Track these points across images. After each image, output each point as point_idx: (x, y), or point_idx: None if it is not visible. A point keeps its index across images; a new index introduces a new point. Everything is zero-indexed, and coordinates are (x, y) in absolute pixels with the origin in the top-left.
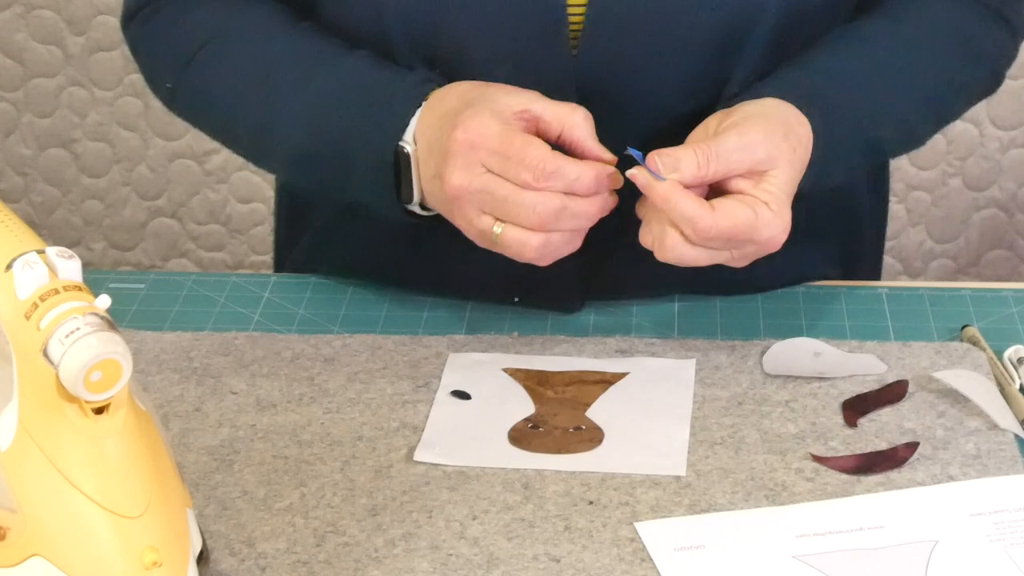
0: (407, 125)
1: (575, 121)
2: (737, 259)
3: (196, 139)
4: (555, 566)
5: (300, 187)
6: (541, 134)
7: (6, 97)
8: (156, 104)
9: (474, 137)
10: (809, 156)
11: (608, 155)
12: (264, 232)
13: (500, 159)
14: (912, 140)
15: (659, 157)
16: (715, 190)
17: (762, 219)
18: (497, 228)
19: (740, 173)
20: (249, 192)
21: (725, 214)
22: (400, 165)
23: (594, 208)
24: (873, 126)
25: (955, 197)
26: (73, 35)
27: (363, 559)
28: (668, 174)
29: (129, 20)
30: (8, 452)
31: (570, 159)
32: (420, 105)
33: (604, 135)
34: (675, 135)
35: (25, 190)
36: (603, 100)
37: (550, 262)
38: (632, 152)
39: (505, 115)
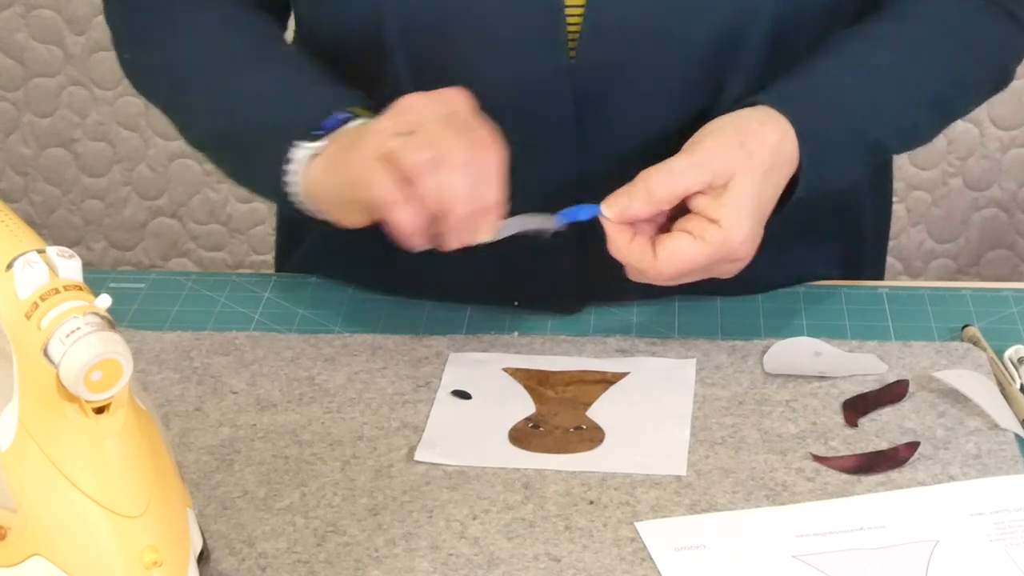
0: (305, 135)
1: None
2: (719, 275)
3: None
4: (555, 566)
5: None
6: None
7: (6, 97)
8: None
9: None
10: (777, 158)
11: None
12: (264, 232)
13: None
14: (916, 140)
15: (606, 207)
16: (680, 207)
17: (712, 242)
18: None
19: (697, 191)
20: (249, 192)
21: (669, 260)
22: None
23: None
24: (873, 128)
25: (955, 197)
26: (73, 35)
27: (363, 559)
28: (620, 216)
29: None
30: (8, 452)
31: None
32: (339, 113)
33: (601, 138)
34: (672, 138)
35: (25, 190)
36: (600, 103)
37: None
38: (582, 210)
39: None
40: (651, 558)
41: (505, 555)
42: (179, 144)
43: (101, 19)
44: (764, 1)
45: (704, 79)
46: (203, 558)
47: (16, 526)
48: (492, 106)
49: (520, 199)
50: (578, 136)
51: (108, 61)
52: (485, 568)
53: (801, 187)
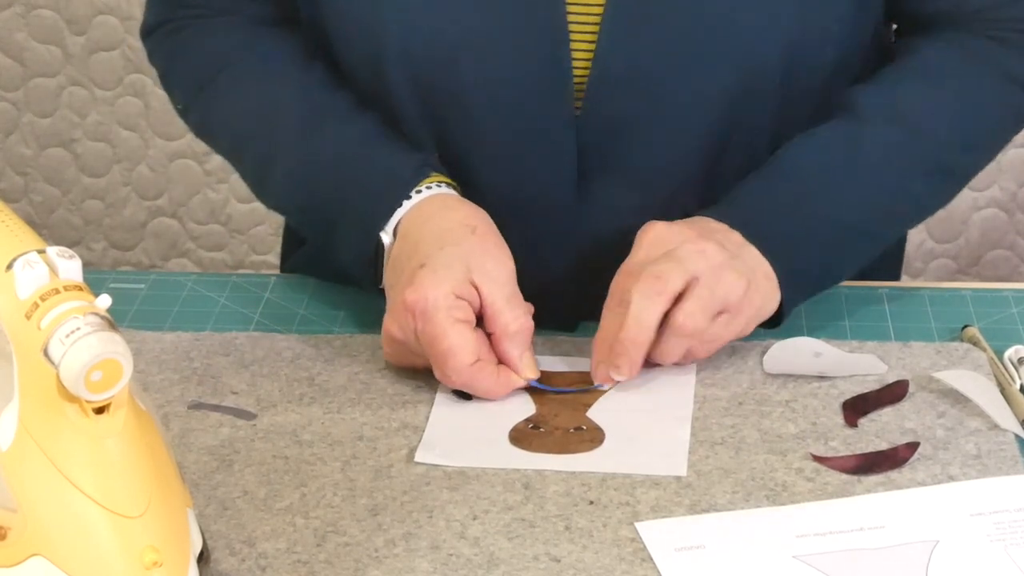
0: (392, 214)
1: (508, 333)
2: (733, 310)
3: (196, 139)
4: (555, 566)
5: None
6: (480, 314)
7: (6, 97)
8: (156, 104)
9: (415, 308)
10: (668, 226)
11: (531, 373)
12: (264, 232)
13: (426, 344)
14: (922, 210)
15: (615, 373)
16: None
17: (632, 268)
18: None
19: (630, 283)
20: (249, 192)
21: (631, 314)
22: (378, 249)
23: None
24: (848, 212)
25: (955, 197)
26: (73, 35)
27: (363, 559)
28: (601, 378)
29: (148, 34)
30: (8, 452)
31: (485, 376)
32: (409, 196)
33: (602, 191)
34: (675, 195)
35: (25, 190)
36: (604, 157)
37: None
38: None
39: (462, 281)
40: (651, 558)
41: (505, 555)
42: (179, 144)
43: (101, 19)
44: (772, 58)
45: (710, 136)
46: (203, 558)
47: (16, 526)
48: (495, 155)
49: (518, 248)
50: (579, 187)
51: (108, 61)
52: (485, 568)
53: (781, 287)
